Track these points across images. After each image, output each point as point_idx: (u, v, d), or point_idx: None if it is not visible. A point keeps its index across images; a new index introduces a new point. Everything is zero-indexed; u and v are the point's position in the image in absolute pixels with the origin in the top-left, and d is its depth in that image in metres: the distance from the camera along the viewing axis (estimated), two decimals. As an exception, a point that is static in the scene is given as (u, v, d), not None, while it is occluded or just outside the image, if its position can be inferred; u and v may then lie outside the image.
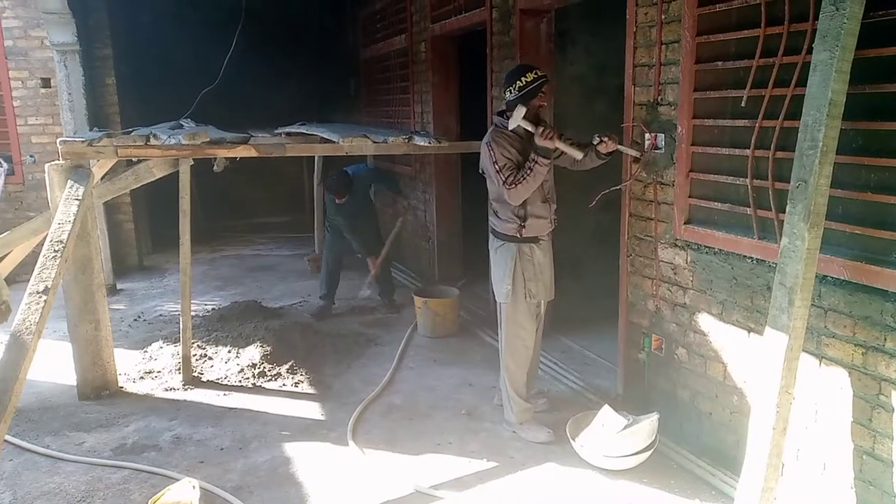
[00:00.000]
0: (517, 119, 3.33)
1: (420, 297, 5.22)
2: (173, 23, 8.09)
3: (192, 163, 4.37)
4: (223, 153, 4.36)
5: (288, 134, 5.82)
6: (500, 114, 3.53)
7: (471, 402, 4.00)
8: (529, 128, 3.33)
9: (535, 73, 3.38)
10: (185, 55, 8.00)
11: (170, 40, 8.28)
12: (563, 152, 3.45)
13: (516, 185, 3.33)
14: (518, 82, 3.37)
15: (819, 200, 2.33)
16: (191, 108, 6.20)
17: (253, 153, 4.35)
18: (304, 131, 5.54)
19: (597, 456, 3.24)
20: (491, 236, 3.63)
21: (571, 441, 3.33)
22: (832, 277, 2.52)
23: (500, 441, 3.56)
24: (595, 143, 3.42)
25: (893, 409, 2.35)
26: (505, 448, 3.49)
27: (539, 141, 3.28)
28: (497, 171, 3.38)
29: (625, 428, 3.22)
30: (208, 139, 4.22)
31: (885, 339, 2.35)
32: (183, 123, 5.44)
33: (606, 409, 3.36)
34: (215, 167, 5.01)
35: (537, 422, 3.64)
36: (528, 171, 3.30)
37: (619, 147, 3.44)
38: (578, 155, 3.41)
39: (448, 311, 5.18)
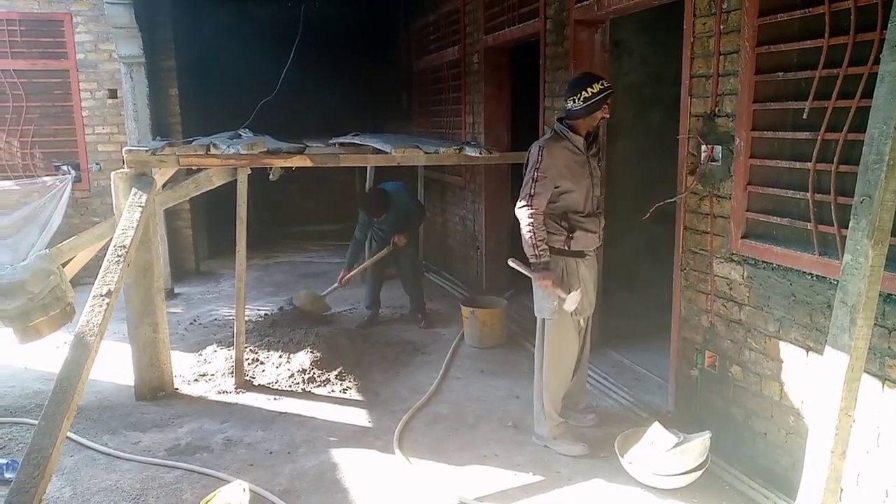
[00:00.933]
0: (571, 304, 3.36)
1: (467, 306, 5.22)
2: (234, 36, 8.34)
3: (250, 172, 4.48)
4: (280, 163, 4.46)
5: (341, 144, 5.92)
6: (560, 120, 3.46)
7: (517, 415, 3.97)
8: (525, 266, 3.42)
9: (602, 84, 3.31)
10: (244, 67, 8.23)
11: (230, 53, 8.53)
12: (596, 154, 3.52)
13: (530, 215, 3.28)
14: (584, 92, 3.29)
15: (884, 216, 2.24)
16: (249, 119, 6.36)
17: (308, 163, 4.44)
18: (358, 142, 5.62)
19: (646, 474, 3.17)
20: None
21: (620, 458, 3.26)
22: (898, 296, 2.42)
23: (547, 455, 3.52)
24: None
25: (964, 436, 2.23)
26: (552, 462, 3.45)
27: (544, 278, 3.31)
28: (532, 181, 3.31)
29: (675, 446, 3.15)
30: (265, 149, 4.32)
31: (955, 362, 2.24)
32: (241, 133, 5.58)
33: (657, 426, 3.29)
34: (271, 176, 5.11)
35: (571, 435, 3.57)
36: (538, 237, 3.28)
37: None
38: (562, 294, 3.38)
39: (495, 322, 5.17)
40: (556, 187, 3.36)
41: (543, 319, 3.55)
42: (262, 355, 4.77)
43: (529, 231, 3.31)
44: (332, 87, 8.94)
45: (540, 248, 3.32)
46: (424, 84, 8.25)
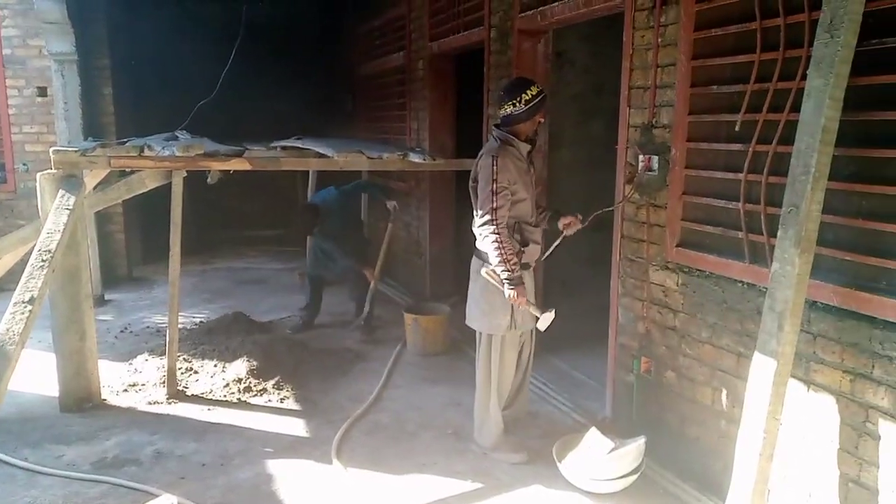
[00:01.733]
0: (545, 323, 3.32)
1: (410, 313, 5.19)
2: (173, 35, 8.11)
3: (186, 174, 4.34)
4: (217, 166, 4.35)
5: (283, 148, 5.82)
6: (498, 127, 3.40)
7: (458, 422, 3.95)
8: (498, 279, 3.25)
9: (538, 88, 3.32)
10: (183, 67, 8.02)
11: (169, 52, 8.30)
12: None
13: (493, 230, 3.17)
14: (525, 95, 3.26)
15: (810, 226, 2.33)
16: (186, 120, 6.19)
17: (247, 166, 4.35)
18: (300, 145, 5.54)
19: (583, 479, 3.20)
20: (477, 260, 3.43)
21: (558, 463, 3.29)
22: (822, 303, 2.50)
23: (487, 462, 3.52)
24: (561, 219, 3.49)
25: (880, 437, 2.32)
26: (492, 469, 3.45)
27: (515, 292, 3.19)
28: (493, 193, 3.18)
29: (612, 451, 3.19)
30: (202, 151, 4.22)
31: (873, 367, 2.33)
32: (178, 135, 5.43)
33: (593, 432, 3.33)
34: (209, 179, 4.98)
35: (512, 443, 3.56)
36: (508, 251, 3.17)
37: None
38: (537, 312, 3.32)
39: (438, 329, 5.15)
40: (512, 195, 3.28)
41: (489, 335, 3.47)
42: (196, 364, 4.62)
43: (498, 246, 3.17)
44: (276, 90, 8.81)
45: (512, 263, 3.18)
46: (370, 89, 8.20)
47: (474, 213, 3.36)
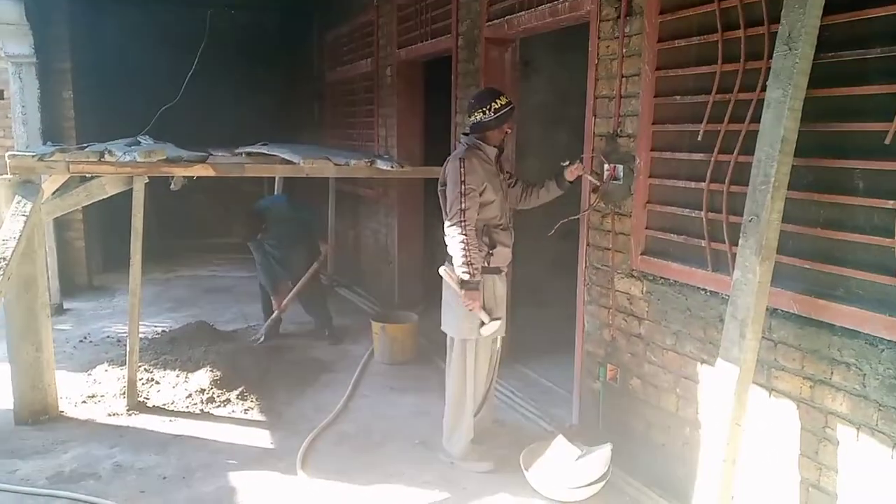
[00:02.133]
0: (489, 330, 3.36)
1: (378, 321, 5.15)
2: (137, 39, 8.00)
3: (147, 181, 4.26)
4: (180, 172, 4.28)
5: (249, 154, 5.74)
6: (467, 134, 3.47)
7: (426, 432, 3.92)
8: (455, 279, 3.29)
9: (506, 99, 3.40)
10: (147, 72, 7.90)
11: (132, 56, 8.17)
12: (515, 187, 3.58)
13: (462, 229, 3.21)
14: (494, 104, 3.33)
15: (771, 235, 2.37)
16: (149, 125, 6.09)
17: (211, 172, 4.28)
18: (266, 152, 5.47)
19: (549, 487, 3.20)
20: (450, 265, 3.39)
21: (525, 472, 3.28)
22: (782, 311, 2.54)
23: (454, 472, 3.50)
24: (564, 164, 3.48)
25: (839, 443, 2.36)
26: (459, 479, 3.43)
27: (469, 297, 3.23)
28: (461, 195, 3.23)
29: (578, 458, 3.20)
30: (165, 157, 4.14)
31: (832, 373, 2.37)
32: (141, 140, 5.33)
33: (560, 440, 3.33)
34: (172, 185, 4.90)
35: (479, 452, 3.55)
36: (472, 251, 3.21)
37: (585, 174, 3.50)
38: (486, 318, 3.33)
39: (406, 337, 5.12)
40: (480, 196, 3.31)
41: (463, 340, 3.46)
42: (157, 374, 4.52)
43: (463, 248, 3.21)
44: (242, 96, 8.72)
45: (474, 267, 3.22)
46: (338, 95, 8.16)
47: (444, 217, 3.37)
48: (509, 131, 3.48)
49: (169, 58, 7.23)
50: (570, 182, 3.52)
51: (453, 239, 3.25)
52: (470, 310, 3.29)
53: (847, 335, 2.32)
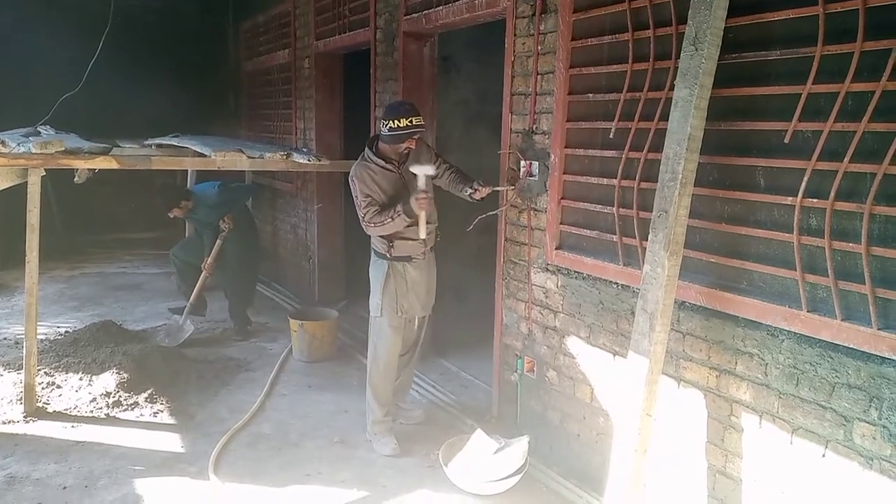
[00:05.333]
0: (421, 182, 3.37)
1: (296, 319, 5.04)
2: (34, 22, 7.50)
3: (44, 173, 4.00)
4: (80, 164, 4.05)
5: (159, 146, 5.51)
6: (370, 143, 3.54)
7: (345, 430, 3.87)
8: (420, 183, 3.36)
9: (411, 122, 3.33)
10: (46, 57, 7.43)
11: (30, 40, 7.66)
12: (444, 174, 3.60)
13: (375, 225, 3.44)
14: (391, 123, 3.34)
15: (678, 230, 2.44)
16: (48, 114, 5.73)
17: (114, 165, 4.07)
18: (176, 143, 5.26)
19: (468, 481, 3.21)
20: (375, 257, 3.66)
21: (444, 467, 3.28)
22: (690, 303, 2.63)
23: (373, 469, 3.46)
24: (468, 194, 3.52)
25: (743, 430, 2.47)
26: (377, 477, 3.39)
27: (413, 201, 3.32)
28: (360, 207, 3.46)
29: (496, 452, 3.22)
30: (63, 148, 3.90)
31: (736, 363, 2.47)
32: (41, 130, 5.01)
33: (479, 433, 3.35)
34: (77, 178, 4.64)
35: (390, 434, 3.67)
36: (389, 219, 3.39)
37: (495, 188, 3.56)
38: (422, 234, 3.43)
39: (325, 334, 5.03)
40: (378, 199, 3.48)
41: (371, 318, 3.65)
42: (59, 378, 4.27)
43: (381, 223, 3.42)
44: (152, 85, 8.30)
45: (391, 213, 3.38)
46: (254, 86, 7.93)
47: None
48: (412, 147, 3.47)
49: (71, 43, 6.81)
50: (481, 200, 3.56)
51: (377, 230, 3.47)
52: (420, 207, 3.33)
53: (750, 326, 2.42)
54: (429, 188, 3.43)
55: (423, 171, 3.39)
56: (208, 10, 8.86)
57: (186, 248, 5.71)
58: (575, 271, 3.21)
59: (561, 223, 3.27)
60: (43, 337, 4.97)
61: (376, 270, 3.60)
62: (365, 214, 3.44)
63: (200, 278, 5.42)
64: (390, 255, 3.53)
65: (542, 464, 3.40)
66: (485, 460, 3.22)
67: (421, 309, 3.70)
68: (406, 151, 3.46)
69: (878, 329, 2.03)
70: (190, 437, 3.74)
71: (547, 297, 3.41)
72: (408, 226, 3.44)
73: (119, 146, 5.13)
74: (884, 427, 2.03)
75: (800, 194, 2.21)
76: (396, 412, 3.86)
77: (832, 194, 2.12)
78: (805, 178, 2.19)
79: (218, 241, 5.37)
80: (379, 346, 3.65)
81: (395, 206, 3.41)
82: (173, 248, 5.75)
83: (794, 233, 2.24)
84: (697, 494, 2.65)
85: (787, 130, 2.25)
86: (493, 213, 3.65)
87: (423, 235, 3.43)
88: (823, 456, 2.20)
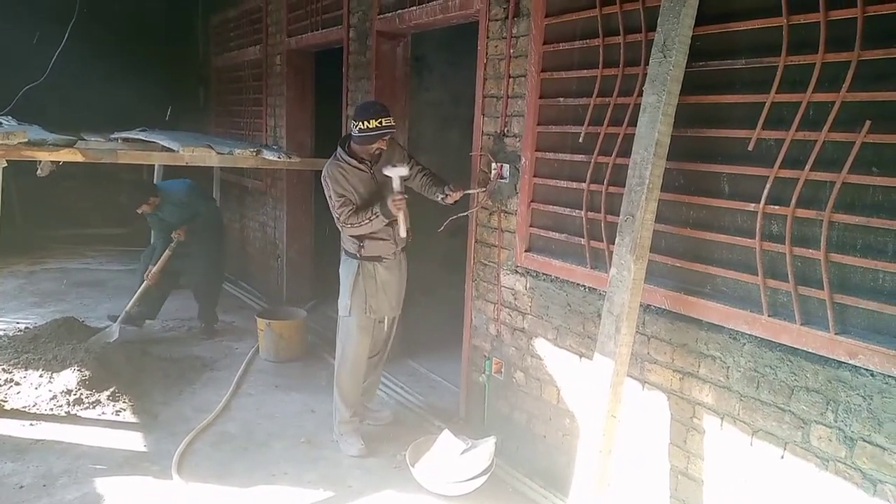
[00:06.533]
0: (396, 184, 3.37)
1: (263, 318, 4.99)
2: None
3: (6, 165, 3.90)
4: (44, 156, 3.96)
5: (126, 140, 5.43)
6: (343, 142, 3.53)
7: (312, 430, 3.85)
8: (396, 185, 3.36)
9: (381, 123, 3.30)
10: (11, 47, 7.25)
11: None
12: (416, 175, 3.58)
13: (351, 225, 3.43)
14: (361, 124, 3.30)
15: (645, 234, 2.47)
16: (10, 105, 5.60)
17: (79, 158, 4.00)
18: (143, 138, 5.19)
19: (435, 482, 3.21)
20: (345, 255, 3.65)
21: (410, 468, 3.28)
22: (655, 307, 2.67)
23: (340, 470, 3.45)
24: (440, 198, 3.50)
25: (705, 432, 2.51)
26: (344, 477, 3.38)
27: (390, 203, 3.33)
28: (334, 207, 3.45)
29: (463, 453, 3.23)
30: (26, 139, 3.81)
31: (699, 366, 2.52)
32: (2, 121, 4.90)
33: (446, 434, 3.35)
34: (39, 171, 4.52)
35: (356, 434, 3.66)
36: (367, 220, 3.40)
37: (467, 191, 3.56)
38: (402, 233, 3.46)
39: (293, 334, 4.99)
40: (351, 197, 3.46)
41: (340, 318, 3.64)
42: (18, 375, 4.16)
43: (357, 225, 3.41)
44: (120, 78, 8.16)
45: (369, 214, 3.38)
46: (224, 82, 7.83)
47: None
48: (383, 148, 3.44)
49: (36, 33, 6.67)
50: (453, 204, 3.55)
51: (354, 230, 3.45)
52: (398, 208, 3.36)
53: (713, 330, 2.47)
54: (402, 188, 3.43)
55: (396, 173, 3.37)
56: (177, 3, 8.74)
57: (151, 256, 5.48)
58: (543, 273, 3.23)
59: (530, 226, 3.29)
60: (2, 333, 4.86)
61: (346, 270, 3.59)
62: (340, 215, 3.43)
63: (141, 287, 5.20)
64: (360, 254, 3.52)
65: (509, 464, 3.42)
66: (451, 461, 3.23)
67: (390, 309, 3.68)
68: (378, 152, 3.44)
69: (836, 334, 2.09)
70: (153, 437, 3.69)
71: (516, 298, 3.43)
72: (386, 225, 3.45)
73: (84, 139, 5.04)
74: (839, 430, 2.09)
75: (762, 201, 2.26)
76: (364, 413, 3.85)
77: (793, 201, 2.17)
78: (767, 186, 2.24)
79: (167, 251, 5.19)
80: (347, 347, 3.63)
81: (371, 206, 3.40)
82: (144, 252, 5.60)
83: (757, 238, 2.29)
84: (660, 495, 2.69)
85: (751, 138, 2.30)
86: (464, 214, 3.66)
87: (403, 234, 3.44)
88: (782, 457, 2.26)
